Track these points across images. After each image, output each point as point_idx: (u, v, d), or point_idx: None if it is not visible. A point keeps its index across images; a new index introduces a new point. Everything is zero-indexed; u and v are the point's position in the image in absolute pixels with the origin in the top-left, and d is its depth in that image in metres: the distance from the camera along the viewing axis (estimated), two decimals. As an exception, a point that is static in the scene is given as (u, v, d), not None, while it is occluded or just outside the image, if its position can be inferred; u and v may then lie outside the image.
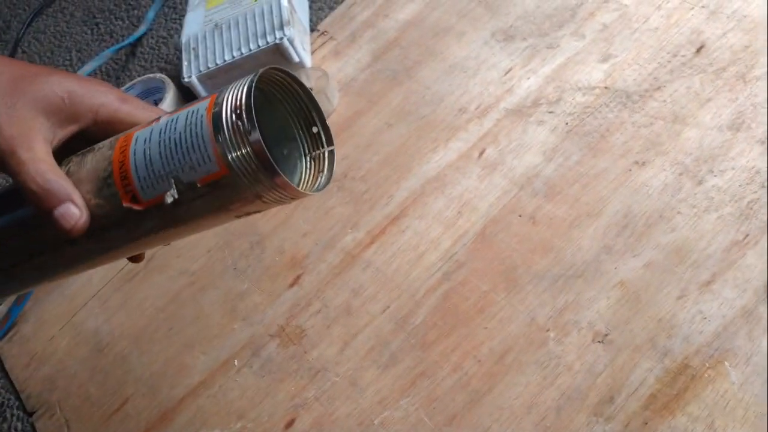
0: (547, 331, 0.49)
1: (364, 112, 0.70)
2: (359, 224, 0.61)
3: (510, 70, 0.66)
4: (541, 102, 0.63)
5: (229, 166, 0.32)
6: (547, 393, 0.47)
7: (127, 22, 1.05)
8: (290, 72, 0.36)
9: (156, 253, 0.68)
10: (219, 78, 0.75)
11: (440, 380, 0.50)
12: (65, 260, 0.39)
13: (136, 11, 1.05)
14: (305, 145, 0.38)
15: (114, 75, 0.96)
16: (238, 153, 0.32)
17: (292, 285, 0.60)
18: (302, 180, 0.38)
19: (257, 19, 0.74)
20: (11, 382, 0.67)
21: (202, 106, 0.34)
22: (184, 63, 0.76)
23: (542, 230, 0.54)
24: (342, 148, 0.68)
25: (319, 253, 0.61)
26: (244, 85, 0.33)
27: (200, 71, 0.74)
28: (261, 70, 0.34)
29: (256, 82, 0.33)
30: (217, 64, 0.74)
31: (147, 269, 0.68)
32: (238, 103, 0.32)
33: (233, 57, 0.73)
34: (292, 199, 0.35)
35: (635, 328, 0.47)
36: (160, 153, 0.34)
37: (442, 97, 0.67)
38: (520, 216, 0.56)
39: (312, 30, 0.82)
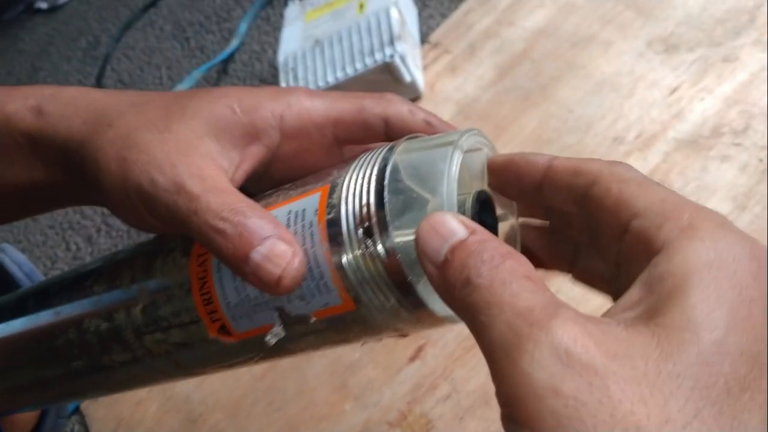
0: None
1: (492, 141, 0.59)
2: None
3: (677, 89, 0.54)
4: (723, 131, 0.50)
5: (358, 300, 0.23)
6: None
7: (218, 35, 0.98)
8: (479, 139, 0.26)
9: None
10: (320, 102, 0.66)
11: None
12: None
13: (227, 24, 0.98)
14: None
15: (204, 94, 0.89)
16: (370, 287, 0.22)
17: (413, 359, 0.50)
18: None
19: (363, 33, 0.65)
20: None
21: (310, 206, 0.24)
22: (282, 84, 0.67)
23: (742, 305, 0.42)
24: (466, 186, 0.57)
25: (446, 320, 0.50)
26: (374, 168, 0.23)
27: (300, 95, 0.65)
28: (400, 147, 0.24)
29: (392, 170, 0.23)
30: (319, 87, 0.65)
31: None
32: (366, 206, 0.22)
33: (337, 78, 0.64)
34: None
35: None
36: None
37: (590, 123, 0.55)
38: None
39: (423, 42, 0.71)
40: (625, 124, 0.54)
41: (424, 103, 0.65)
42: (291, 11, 0.75)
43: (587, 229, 0.23)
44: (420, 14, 0.75)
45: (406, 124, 0.28)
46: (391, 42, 0.63)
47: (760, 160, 0.47)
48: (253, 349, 0.26)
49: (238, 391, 0.55)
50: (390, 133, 0.28)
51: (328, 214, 0.23)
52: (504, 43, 0.65)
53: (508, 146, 0.57)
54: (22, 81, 1.19)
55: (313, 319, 0.24)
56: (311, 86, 0.65)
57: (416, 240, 0.20)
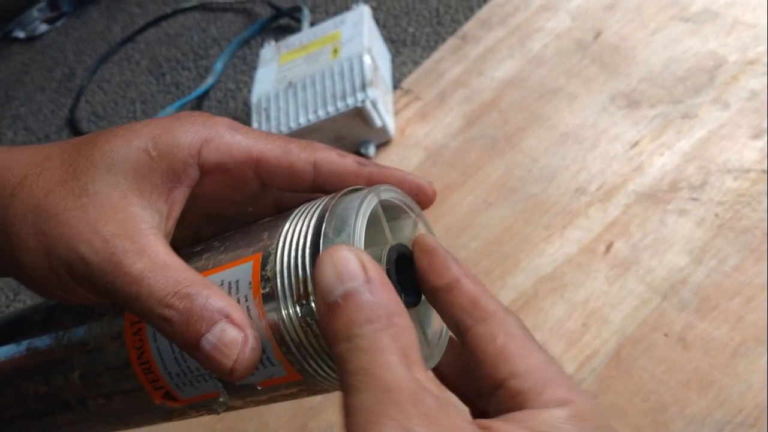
0: (715, 501, 0.38)
1: (457, 187, 0.60)
2: (457, 330, 0.50)
3: (637, 143, 0.55)
4: (681, 185, 0.51)
5: (303, 372, 0.22)
6: None
7: (194, 72, 0.98)
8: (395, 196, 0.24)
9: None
10: (292, 143, 0.66)
11: None
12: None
13: (204, 61, 0.99)
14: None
15: (178, 130, 0.89)
16: (314, 360, 0.22)
17: (374, 403, 0.49)
18: None
19: (336, 77, 0.66)
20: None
21: (243, 278, 0.22)
22: (254, 125, 0.68)
23: (697, 357, 0.43)
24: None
25: (408, 365, 0.50)
26: (308, 236, 0.22)
27: (271, 135, 0.66)
28: (333, 203, 0.23)
29: (324, 238, 0.21)
30: (291, 128, 0.65)
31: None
32: (303, 282, 0.21)
33: (309, 120, 0.65)
34: None
35: None
36: None
37: (554, 173, 0.57)
38: (665, 335, 0.44)
39: (395, 88, 0.73)
40: (588, 175, 0.55)
41: (394, 148, 0.66)
42: (266, 52, 0.76)
43: (462, 356, 0.24)
44: (393, 61, 0.76)
45: (337, 167, 0.26)
46: (363, 87, 0.64)
47: (716, 215, 0.49)
48: (203, 410, 0.26)
49: (196, 432, 0.54)
50: (319, 178, 0.26)
51: (263, 288, 0.22)
52: (473, 92, 0.67)
53: (474, 192, 0.58)
54: (-6, 109, 1.18)
55: (260, 388, 0.23)
56: (283, 128, 0.66)
57: (314, 271, 0.20)
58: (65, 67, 1.18)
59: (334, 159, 0.26)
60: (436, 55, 0.74)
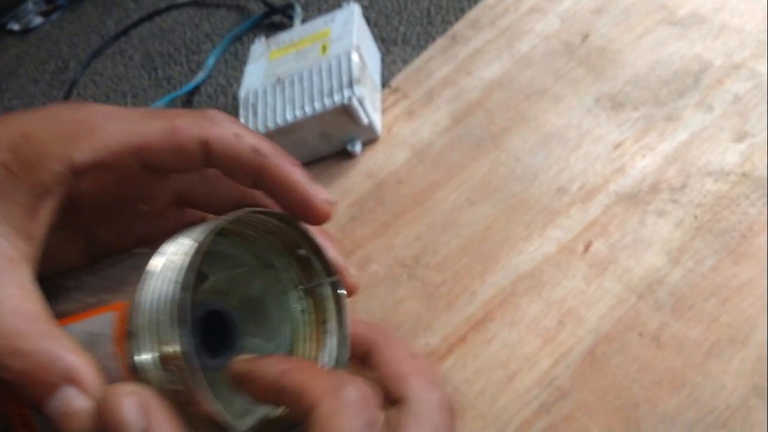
0: (683, 499, 0.38)
1: (442, 185, 0.60)
2: (433, 326, 0.51)
3: (620, 144, 0.56)
4: (661, 187, 0.52)
5: None
6: None
7: (186, 67, 0.99)
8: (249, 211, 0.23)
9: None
10: (279, 139, 0.66)
11: None
12: None
13: (196, 56, 0.99)
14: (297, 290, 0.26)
15: (168, 124, 0.89)
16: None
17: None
18: (299, 349, 0.25)
19: (324, 74, 0.66)
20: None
21: (104, 331, 0.21)
22: (241, 120, 0.68)
23: (670, 357, 0.43)
24: (415, 227, 0.58)
25: (385, 360, 0.50)
26: (172, 290, 0.20)
27: (258, 131, 0.66)
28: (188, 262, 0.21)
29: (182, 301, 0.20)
30: (277, 124, 0.65)
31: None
32: (167, 341, 0.19)
33: (296, 117, 0.65)
34: None
35: None
36: None
37: (536, 173, 0.57)
38: (640, 335, 0.45)
39: (384, 86, 0.73)
40: (570, 175, 0.55)
41: (380, 145, 0.67)
42: (257, 48, 0.76)
43: None
44: (383, 59, 0.76)
45: (231, 151, 0.23)
46: (350, 85, 0.64)
47: (695, 217, 0.49)
48: None
49: None
50: (211, 159, 0.24)
51: (128, 343, 0.20)
52: (461, 92, 0.67)
53: (457, 191, 0.59)
54: (-13, 101, 1.18)
55: None
56: (270, 124, 0.66)
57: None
58: (59, 60, 1.18)
59: (228, 140, 0.24)
60: (426, 54, 0.74)
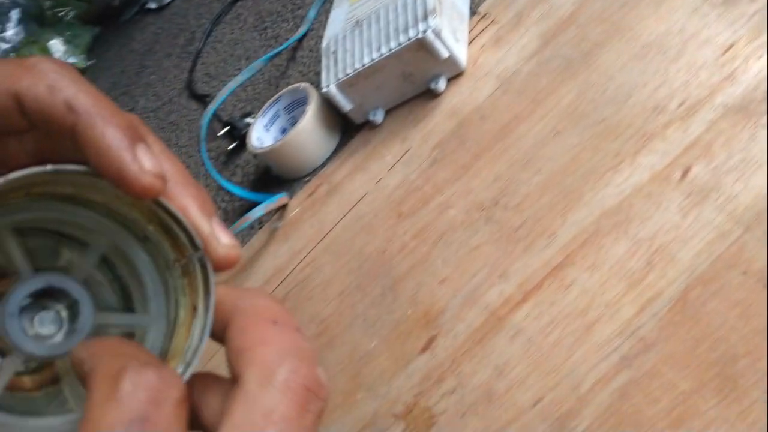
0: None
1: (526, 117, 0.54)
2: (509, 273, 0.46)
3: (731, 46, 0.46)
4: (781, 93, 0.42)
5: None
6: None
7: (291, 23, 0.99)
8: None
9: (289, 292, 0.60)
10: (360, 85, 0.64)
11: None
12: None
13: (300, 11, 0.99)
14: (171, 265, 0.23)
15: (274, 83, 0.90)
16: None
17: (424, 350, 0.47)
18: (176, 338, 0.23)
19: (399, 10, 0.62)
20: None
21: None
22: (323, 70, 0.67)
23: (780, 299, 0.36)
24: (494, 166, 0.53)
25: (458, 309, 0.47)
26: None
27: (338, 78, 0.64)
28: None
29: None
30: (355, 69, 0.63)
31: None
32: None
33: (372, 59, 0.62)
34: None
35: None
36: None
37: (630, 92, 0.49)
38: (744, 274, 0.37)
39: (472, 14, 0.67)
40: (669, 90, 0.47)
41: (464, 79, 0.62)
42: (340, -7, 0.74)
43: None
44: (472, -16, 0.70)
45: (41, 107, 0.20)
46: (426, 17, 0.60)
47: (824, 126, 0.40)
48: None
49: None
50: (29, 116, 0.21)
51: None
52: (551, 9, 0.60)
53: (542, 121, 0.53)
54: (132, 78, 1.28)
55: None
56: (348, 69, 0.63)
57: None
58: (187, 33, 1.24)
59: (39, 94, 0.20)
60: (516, -28, 0.67)
